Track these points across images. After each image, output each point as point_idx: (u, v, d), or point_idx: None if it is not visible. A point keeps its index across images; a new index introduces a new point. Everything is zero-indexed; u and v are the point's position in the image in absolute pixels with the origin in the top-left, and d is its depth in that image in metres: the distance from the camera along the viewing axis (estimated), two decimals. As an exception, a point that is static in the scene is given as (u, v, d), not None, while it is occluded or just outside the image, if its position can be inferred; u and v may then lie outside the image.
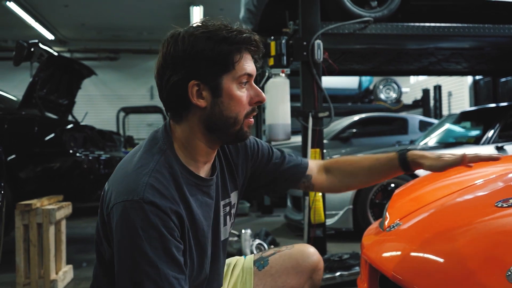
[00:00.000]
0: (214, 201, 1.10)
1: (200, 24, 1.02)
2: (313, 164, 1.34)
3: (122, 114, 10.59)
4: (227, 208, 1.17)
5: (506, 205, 1.17)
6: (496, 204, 1.20)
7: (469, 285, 0.96)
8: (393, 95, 8.96)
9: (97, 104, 12.23)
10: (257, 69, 1.08)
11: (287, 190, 1.36)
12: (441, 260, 1.11)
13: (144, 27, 11.22)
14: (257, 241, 3.28)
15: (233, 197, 1.20)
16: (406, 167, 1.24)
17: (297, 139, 4.33)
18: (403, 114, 7.93)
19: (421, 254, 1.19)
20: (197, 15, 9.60)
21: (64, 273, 2.82)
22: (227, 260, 1.36)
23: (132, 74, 12.93)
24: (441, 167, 1.21)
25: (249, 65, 1.03)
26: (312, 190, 1.34)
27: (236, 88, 1.02)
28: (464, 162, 1.21)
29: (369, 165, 1.27)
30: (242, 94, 1.03)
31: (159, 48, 1.04)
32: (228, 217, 1.17)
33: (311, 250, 1.29)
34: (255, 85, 1.07)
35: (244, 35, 1.01)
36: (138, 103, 11.51)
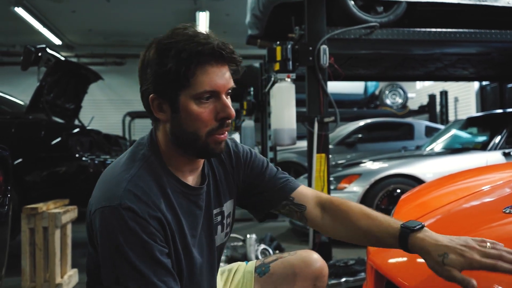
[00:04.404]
0: (203, 211, 1.08)
1: (172, 32, 0.98)
2: (310, 195, 1.18)
3: (128, 118, 10.63)
4: (219, 218, 1.14)
5: (514, 211, 1.16)
6: (504, 210, 1.18)
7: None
8: (399, 100, 8.94)
9: (103, 108, 12.30)
10: (236, 80, 1.00)
11: (276, 207, 1.19)
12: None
13: (150, 32, 11.25)
14: (262, 246, 3.27)
15: (228, 206, 1.16)
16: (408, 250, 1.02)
17: (303, 144, 4.33)
18: (409, 120, 7.91)
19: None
20: (203, 20, 9.65)
21: (69, 277, 2.83)
22: (229, 266, 1.35)
23: (138, 79, 12.99)
24: (445, 276, 0.93)
25: (211, 80, 0.96)
26: (304, 223, 1.18)
27: (195, 105, 0.96)
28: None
29: (366, 230, 1.07)
30: (202, 110, 0.97)
31: None
32: (220, 226, 1.14)
33: (315, 256, 1.25)
34: (225, 99, 0.99)
35: (199, 48, 0.93)
36: (143, 107, 11.56)
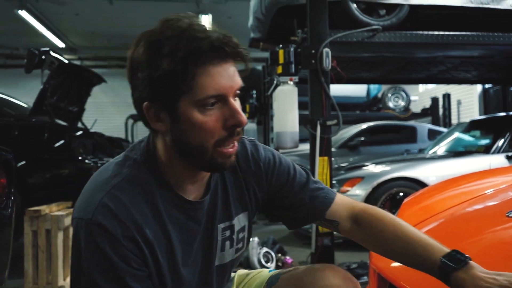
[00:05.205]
0: (202, 225, 0.95)
1: (162, 25, 0.82)
2: (343, 208, 1.05)
3: (130, 121, 10.66)
4: (227, 232, 0.99)
5: (518, 215, 1.15)
6: (507, 214, 1.18)
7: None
8: (402, 103, 8.93)
9: (106, 111, 12.34)
10: (243, 78, 0.86)
11: (304, 224, 1.08)
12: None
13: (153, 35, 11.34)
14: (264, 249, 3.27)
15: (240, 220, 1.02)
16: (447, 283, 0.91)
17: (305, 147, 4.33)
18: (411, 123, 7.90)
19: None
20: (205, 23, 9.66)
21: (71, 280, 2.83)
22: (250, 271, 1.22)
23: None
24: None
25: (215, 82, 0.80)
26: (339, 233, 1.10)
27: (198, 113, 0.81)
28: None
29: (401, 254, 0.98)
30: (207, 119, 0.82)
31: None
32: (228, 242, 1.00)
33: (328, 273, 0.99)
34: (233, 103, 0.84)
35: (196, 44, 0.78)
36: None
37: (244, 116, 0.84)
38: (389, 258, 1.01)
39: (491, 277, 0.85)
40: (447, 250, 0.92)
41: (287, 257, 3.40)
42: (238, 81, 0.84)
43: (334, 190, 1.09)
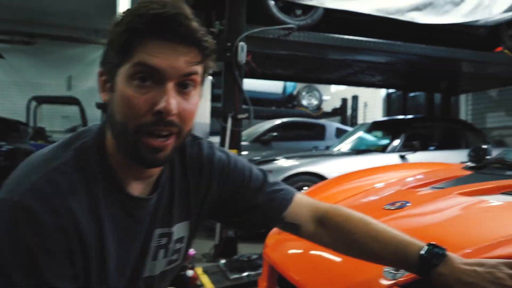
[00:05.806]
0: (143, 228, 0.85)
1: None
2: (305, 210, 0.96)
3: (34, 103, 9.85)
4: (163, 240, 0.89)
5: (393, 208, 1.27)
6: (384, 206, 1.29)
7: (353, 283, 1.03)
8: (315, 102, 9.31)
9: (5, 91, 11.28)
10: (205, 68, 0.78)
11: (262, 228, 1.01)
12: (338, 259, 1.17)
13: (66, 12, 10.54)
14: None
15: (179, 229, 0.92)
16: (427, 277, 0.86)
17: (215, 140, 4.34)
18: (322, 121, 8.28)
19: (316, 253, 1.24)
20: (124, 5, 9.23)
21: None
22: None
23: (49, 62, 12.08)
24: None
25: (151, 57, 0.73)
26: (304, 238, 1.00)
27: (128, 86, 0.74)
28: None
29: (376, 254, 0.91)
30: (135, 94, 0.74)
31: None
32: (162, 251, 0.90)
33: None
34: (169, 88, 0.74)
35: (140, 15, 0.73)
36: (53, 93, 10.79)
37: (173, 105, 0.74)
38: (363, 259, 0.93)
39: (471, 269, 0.81)
40: (423, 245, 0.86)
41: (191, 249, 3.39)
42: (183, 66, 0.75)
43: (294, 193, 0.99)
